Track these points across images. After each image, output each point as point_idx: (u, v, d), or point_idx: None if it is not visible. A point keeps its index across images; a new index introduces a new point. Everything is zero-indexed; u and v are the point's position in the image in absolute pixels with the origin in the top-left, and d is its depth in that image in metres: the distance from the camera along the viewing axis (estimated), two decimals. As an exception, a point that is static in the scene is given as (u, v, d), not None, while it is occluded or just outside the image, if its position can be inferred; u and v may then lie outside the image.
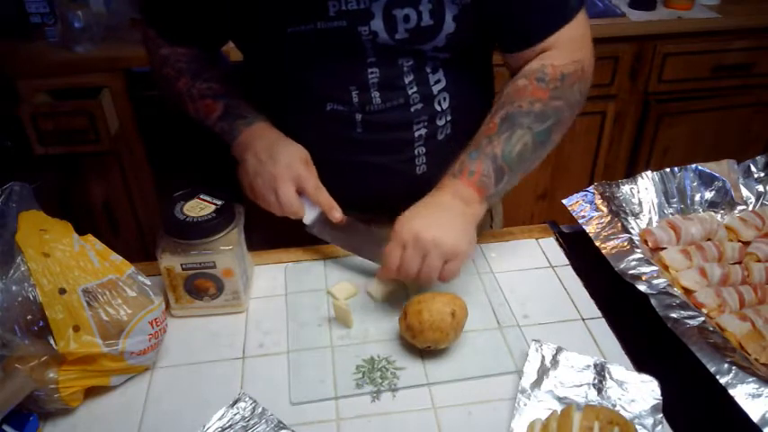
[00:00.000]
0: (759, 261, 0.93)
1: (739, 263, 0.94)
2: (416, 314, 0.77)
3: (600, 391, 0.72)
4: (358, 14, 0.85)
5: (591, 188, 1.02)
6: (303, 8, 0.85)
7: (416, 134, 0.96)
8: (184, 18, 0.97)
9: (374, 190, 1.01)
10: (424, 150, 0.98)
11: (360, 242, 0.94)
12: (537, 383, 0.73)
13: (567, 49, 0.91)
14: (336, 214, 0.90)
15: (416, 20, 0.85)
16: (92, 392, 0.75)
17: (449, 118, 0.97)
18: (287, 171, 0.88)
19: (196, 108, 0.99)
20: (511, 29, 0.92)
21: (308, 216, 0.91)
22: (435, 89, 0.94)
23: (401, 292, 0.89)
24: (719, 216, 1.03)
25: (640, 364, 0.77)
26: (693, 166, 1.05)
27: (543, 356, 0.76)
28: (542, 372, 0.74)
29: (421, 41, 0.88)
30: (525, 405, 0.71)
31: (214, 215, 0.82)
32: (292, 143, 0.92)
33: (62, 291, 0.70)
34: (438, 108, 0.95)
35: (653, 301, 0.81)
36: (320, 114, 0.94)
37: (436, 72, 0.93)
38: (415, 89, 0.93)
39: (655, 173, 1.04)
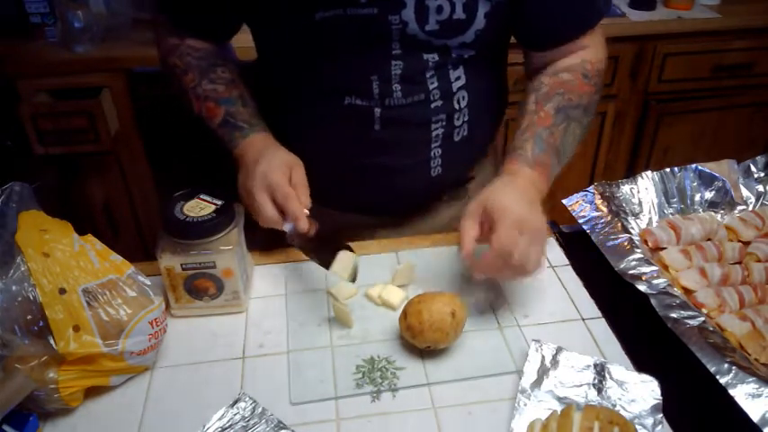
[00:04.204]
0: (759, 261, 0.93)
1: (739, 263, 0.94)
2: (416, 314, 0.77)
3: (600, 391, 0.72)
4: (390, 2, 0.84)
5: (591, 188, 1.02)
6: None
7: (434, 134, 0.96)
8: (198, 3, 0.96)
9: (388, 191, 1.00)
10: (440, 152, 0.98)
11: (330, 255, 0.84)
12: (537, 383, 0.73)
13: (597, 49, 0.96)
14: (302, 225, 0.82)
15: (449, 11, 0.85)
16: (92, 392, 0.75)
17: (466, 118, 0.97)
18: (260, 181, 0.84)
19: (200, 108, 0.98)
20: (544, 27, 0.93)
21: (287, 225, 0.84)
22: (455, 86, 0.94)
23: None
24: (719, 216, 1.03)
25: (640, 364, 0.77)
26: (693, 166, 1.05)
27: (543, 356, 0.76)
28: (542, 372, 0.74)
29: (450, 35, 0.88)
30: (525, 405, 0.71)
31: (214, 215, 0.82)
32: (278, 151, 0.89)
33: (62, 291, 0.70)
34: (456, 106, 0.95)
35: (653, 301, 0.81)
36: (338, 109, 0.93)
37: (457, 69, 0.93)
38: (435, 84, 0.92)
39: (655, 173, 1.04)
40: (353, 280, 0.84)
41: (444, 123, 0.96)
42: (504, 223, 0.77)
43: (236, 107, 0.95)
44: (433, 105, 0.93)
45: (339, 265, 0.83)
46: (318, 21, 0.86)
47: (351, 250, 0.84)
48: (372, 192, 0.99)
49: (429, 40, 0.88)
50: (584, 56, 0.94)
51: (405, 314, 0.79)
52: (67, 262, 0.72)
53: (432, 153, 0.97)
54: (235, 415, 0.71)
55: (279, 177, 0.83)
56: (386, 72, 0.90)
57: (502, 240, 0.76)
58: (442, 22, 0.86)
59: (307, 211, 0.83)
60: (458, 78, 0.94)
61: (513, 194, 0.81)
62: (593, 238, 0.94)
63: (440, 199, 1.08)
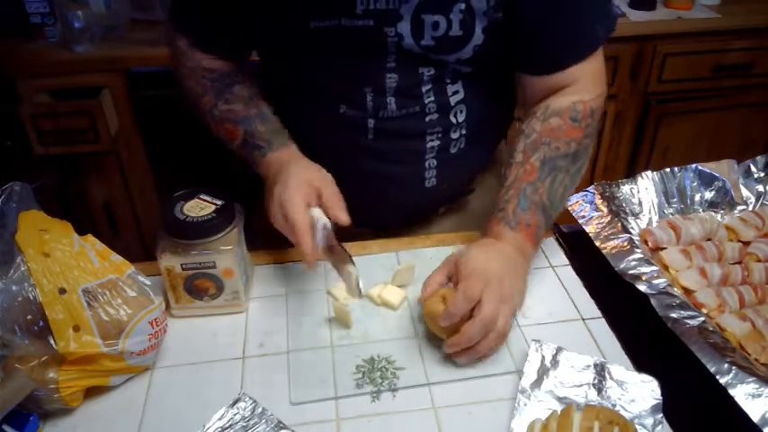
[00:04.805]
0: (759, 261, 0.93)
1: (739, 263, 0.94)
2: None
3: (600, 391, 0.72)
4: (386, 15, 0.83)
5: (591, 188, 1.02)
6: (329, 2, 0.83)
7: (429, 145, 0.94)
8: (214, 18, 0.93)
9: (381, 201, 0.99)
10: (435, 163, 0.96)
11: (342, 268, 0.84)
12: (537, 383, 0.73)
13: (592, 83, 0.91)
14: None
15: (446, 28, 0.84)
16: (92, 392, 0.75)
17: (464, 132, 0.95)
18: (278, 208, 0.82)
19: (218, 130, 0.96)
20: (539, 51, 0.90)
21: (319, 235, 0.81)
22: (453, 100, 0.92)
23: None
24: (719, 216, 1.03)
25: (640, 364, 0.77)
26: (693, 166, 1.05)
27: (543, 356, 0.76)
28: (542, 372, 0.74)
29: (446, 51, 0.86)
30: (525, 405, 0.71)
31: (214, 215, 0.82)
32: (295, 169, 0.86)
33: (62, 291, 0.70)
34: (453, 120, 0.94)
35: (653, 301, 0.81)
36: (332, 118, 0.92)
37: (455, 83, 0.91)
38: (431, 98, 0.91)
39: (655, 173, 1.04)
40: (360, 295, 0.82)
41: (440, 136, 0.94)
42: (470, 275, 0.77)
43: (254, 126, 0.93)
44: (428, 118, 0.92)
45: (346, 288, 0.84)
46: (312, 30, 0.85)
47: (352, 263, 0.82)
48: (367, 201, 0.97)
49: (425, 55, 0.87)
50: (576, 96, 0.90)
51: (443, 298, 0.77)
52: (67, 262, 0.72)
53: (426, 164, 0.96)
54: (235, 415, 0.71)
55: (293, 206, 0.80)
56: (380, 84, 0.89)
57: (467, 287, 0.75)
58: (437, 38, 0.84)
59: (329, 225, 0.81)
60: (456, 93, 0.92)
61: (486, 255, 0.80)
62: (592, 237, 0.94)
63: (436, 211, 1.07)
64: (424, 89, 0.90)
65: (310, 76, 0.92)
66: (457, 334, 0.75)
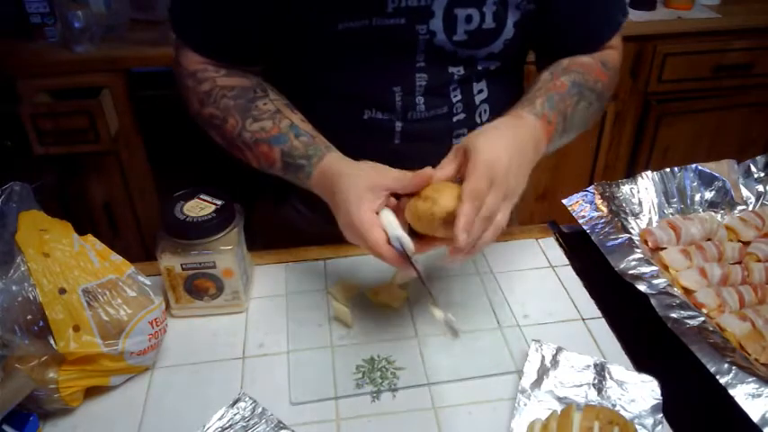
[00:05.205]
0: (759, 261, 0.93)
1: (739, 263, 0.94)
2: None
3: (600, 391, 0.72)
4: (417, 12, 0.82)
5: (591, 188, 1.02)
6: (359, 2, 0.81)
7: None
8: (226, 22, 0.87)
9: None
10: None
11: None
12: (537, 383, 0.73)
13: (616, 51, 0.96)
14: (407, 271, 0.73)
15: (479, 21, 0.83)
16: (92, 392, 0.75)
17: None
18: (350, 233, 0.74)
19: (256, 157, 0.87)
20: (568, 41, 0.92)
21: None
22: (478, 99, 0.92)
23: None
24: (719, 216, 1.03)
25: (640, 364, 0.77)
26: (693, 166, 1.05)
27: (543, 356, 0.76)
28: (542, 372, 0.74)
29: (478, 45, 0.86)
30: (525, 405, 0.71)
31: (214, 215, 0.82)
32: (350, 176, 0.76)
33: (62, 291, 0.70)
34: (478, 120, 0.94)
35: (653, 301, 0.81)
36: (356, 123, 0.90)
37: (480, 81, 0.92)
38: (459, 97, 0.91)
39: (655, 173, 1.04)
40: (456, 335, 0.73)
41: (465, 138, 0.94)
42: (476, 170, 0.68)
43: (290, 143, 0.84)
44: (455, 119, 0.92)
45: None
46: (341, 31, 0.83)
47: (432, 301, 0.74)
48: None
49: (455, 52, 0.86)
50: (605, 51, 0.94)
51: (420, 196, 0.71)
52: (67, 262, 0.72)
53: None
54: (235, 415, 0.71)
55: (362, 224, 0.71)
56: (410, 84, 0.88)
57: (474, 191, 0.67)
58: (470, 33, 0.84)
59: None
60: (480, 91, 0.92)
61: (498, 142, 0.71)
62: (593, 238, 0.94)
63: None
64: (451, 87, 0.90)
65: (335, 81, 0.90)
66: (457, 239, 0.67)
